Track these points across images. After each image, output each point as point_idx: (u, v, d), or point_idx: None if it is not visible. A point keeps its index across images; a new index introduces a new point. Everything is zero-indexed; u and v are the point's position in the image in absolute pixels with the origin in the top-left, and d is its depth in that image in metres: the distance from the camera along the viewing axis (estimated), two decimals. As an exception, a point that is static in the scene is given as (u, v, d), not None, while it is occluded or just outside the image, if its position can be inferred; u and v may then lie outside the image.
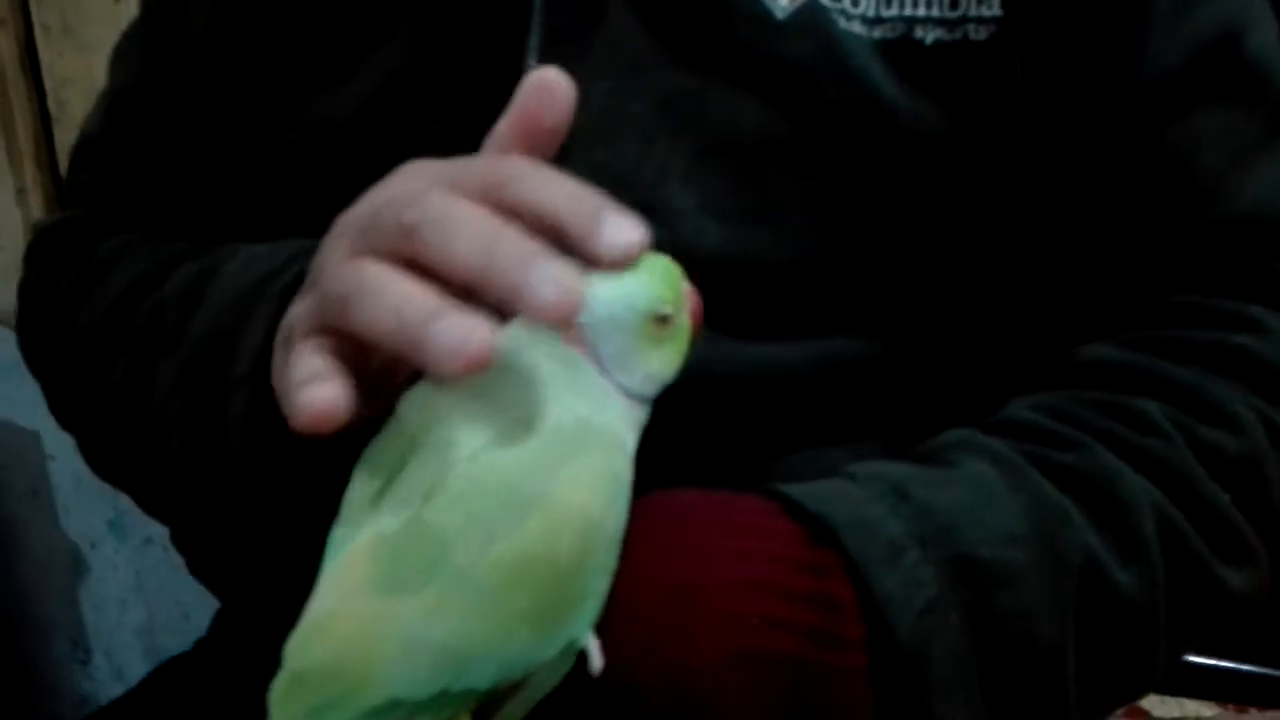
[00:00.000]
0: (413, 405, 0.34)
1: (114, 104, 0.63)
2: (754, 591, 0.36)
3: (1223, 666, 0.95)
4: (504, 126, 0.36)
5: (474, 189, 0.34)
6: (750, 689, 0.35)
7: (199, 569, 0.64)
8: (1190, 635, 0.45)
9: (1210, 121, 0.48)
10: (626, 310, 0.35)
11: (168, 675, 0.69)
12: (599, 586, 0.32)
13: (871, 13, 0.45)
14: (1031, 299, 0.50)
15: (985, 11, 0.45)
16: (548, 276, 0.31)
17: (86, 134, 0.64)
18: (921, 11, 0.45)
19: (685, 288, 0.37)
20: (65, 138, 1.06)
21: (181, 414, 0.48)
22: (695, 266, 0.43)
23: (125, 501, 1.47)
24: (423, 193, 0.34)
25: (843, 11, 0.45)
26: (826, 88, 0.45)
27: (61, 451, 1.41)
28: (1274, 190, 0.48)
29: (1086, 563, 0.40)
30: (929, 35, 0.45)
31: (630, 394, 0.36)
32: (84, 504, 1.42)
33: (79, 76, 1.03)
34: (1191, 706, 0.96)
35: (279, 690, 0.31)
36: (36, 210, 1.10)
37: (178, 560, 1.52)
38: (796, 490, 0.39)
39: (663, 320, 0.36)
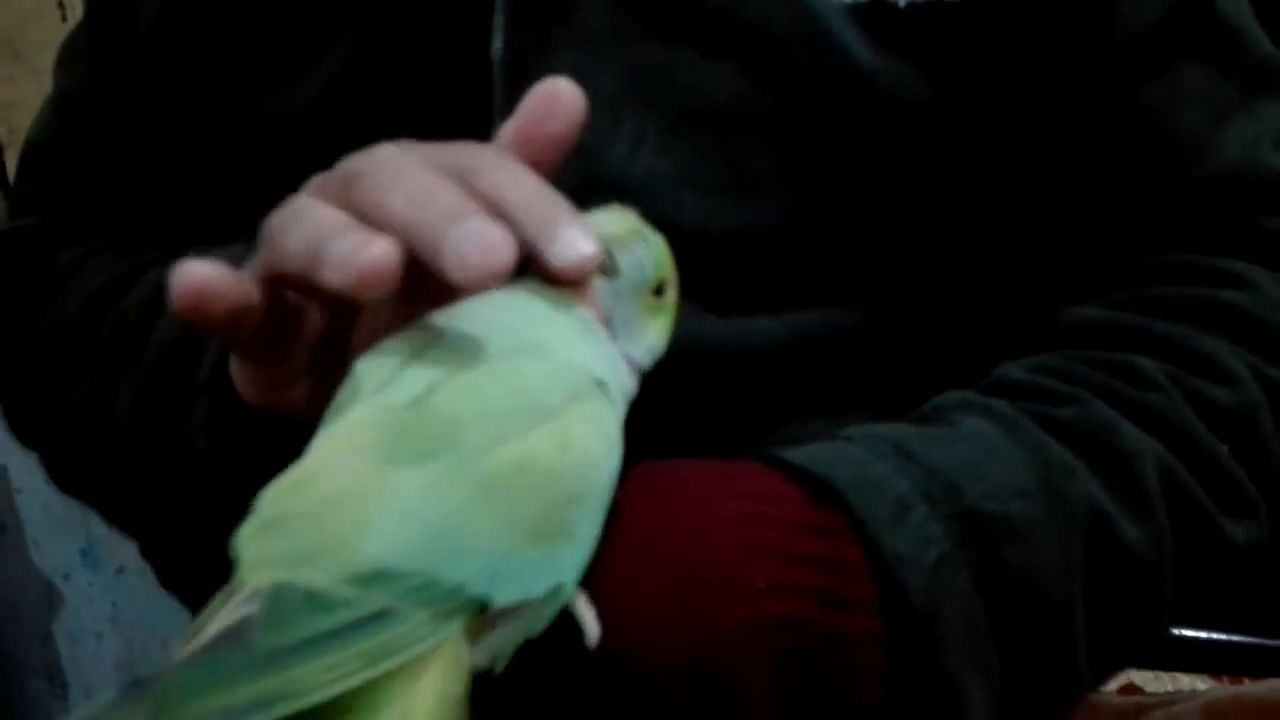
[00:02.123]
0: (414, 330, 0.33)
1: (62, 110, 0.62)
2: (760, 556, 0.34)
3: (1214, 639, 0.95)
4: (507, 130, 0.35)
5: (440, 166, 0.33)
6: (764, 656, 0.34)
7: (169, 581, 0.62)
8: (1195, 590, 0.44)
9: (1187, 79, 0.48)
10: (642, 275, 0.35)
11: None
12: (589, 532, 0.31)
13: None
14: (1016, 264, 0.50)
15: None
16: (474, 232, 0.30)
17: (34, 142, 0.63)
18: None
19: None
20: (16, 162, 1.04)
21: (145, 425, 0.47)
22: (673, 240, 0.42)
23: (97, 531, 1.45)
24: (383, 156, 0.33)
25: None
26: (799, 54, 0.45)
27: (29, 485, 1.39)
28: (1252, 147, 0.48)
29: (1093, 517, 0.40)
30: None
31: (631, 363, 0.35)
32: (55, 536, 1.41)
33: (26, 99, 1.02)
34: (1185, 681, 0.96)
35: (247, 533, 0.29)
36: (-9, 235, 1.08)
37: (153, 587, 1.49)
38: (795, 454, 0.38)
39: (659, 292, 0.36)
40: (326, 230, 0.31)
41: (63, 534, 1.40)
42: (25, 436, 0.60)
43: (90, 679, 1.45)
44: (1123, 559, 0.40)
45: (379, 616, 0.26)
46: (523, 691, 0.32)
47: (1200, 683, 0.96)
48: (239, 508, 0.45)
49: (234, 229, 0.48)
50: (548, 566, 0.30)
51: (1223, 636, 0.95)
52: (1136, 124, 0.47)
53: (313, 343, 0.36)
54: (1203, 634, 0.96)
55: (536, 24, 0.46)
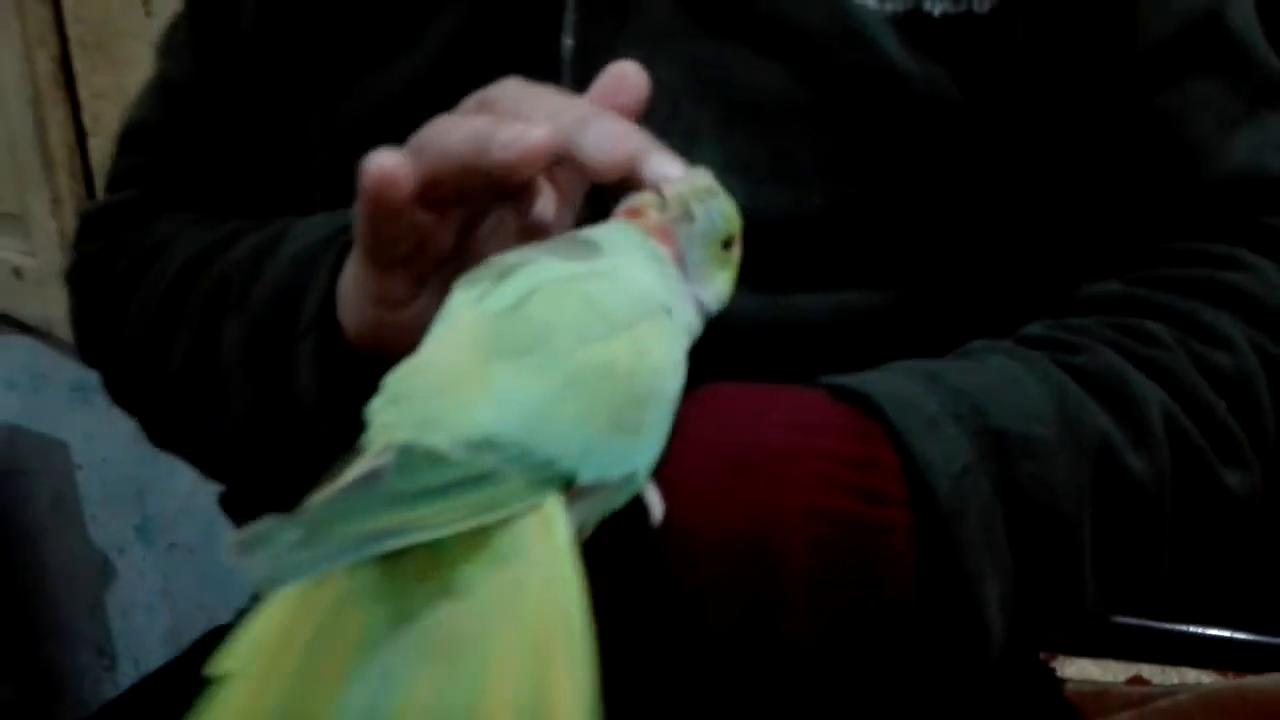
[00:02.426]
0: (508, 255, 0.38)
1: (164, 92, 0.65)
2: (806, 456, 0.39)
3: (1219, 635, 0.98)
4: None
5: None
6: (804, 542, 0.38)
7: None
8: (1195, 535, 0.48)
9: (1198, 90, 0.52)
10: (714, 224, 0.40)
11: (195, 656, 0.70)
12: (658, 430, 0.36)
13: None
14: (1038, 250, 0.54)
15: None
16: (607, 127, 0.38)
17: (135, 120, 0.66)
18: None
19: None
20: (99, 150, 1.10)
21: (250, 367, 0.51)
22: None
23: (151, 508, 1.51)
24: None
25: None
26: (842, 55, 0.49)
27: (89, 461, 1.44)
28: (1258, 153, 0.52)
29: (1102, 445, 0.44)
30: (936, 8, 0.49)
31: (698, 303, 0.40)
32: (111, 511, 1.45)
33: (112, 90, 1.07)
34: (1191, 675, 1.00)
35: (379, 406, 0.33)
36: (70, 220, 1.14)
37: (203, 563, 1.55)
38: (838, 377, 0.43)
39: (727, 246, 0.40)
40: (487, 126, 0.38)
41: (119, 510, 1.44)
42: (121, 397, 0.64)
43: (139, 651, 1.49)
44: (1127, 486, 0.44)
45: (485, 476, 0.31)
46: (596, 565, 0.36)
47: (1205, 677, 0.99)
48: (334, 447, 0.49)
49: (331, 205, 0.52)
50: (624, 455, 0.34)
51: (1227, 633, 0.98)
52: (1149, 128, 0.51)
53: (433, 259, 0.41)
54: (1209, 630, 0.99)
55: (603, 23, 0.51)
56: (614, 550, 0.36)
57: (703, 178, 0.40)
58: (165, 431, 0.62)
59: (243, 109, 0.62)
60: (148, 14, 1.03)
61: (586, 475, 0.33)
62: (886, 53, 0.49)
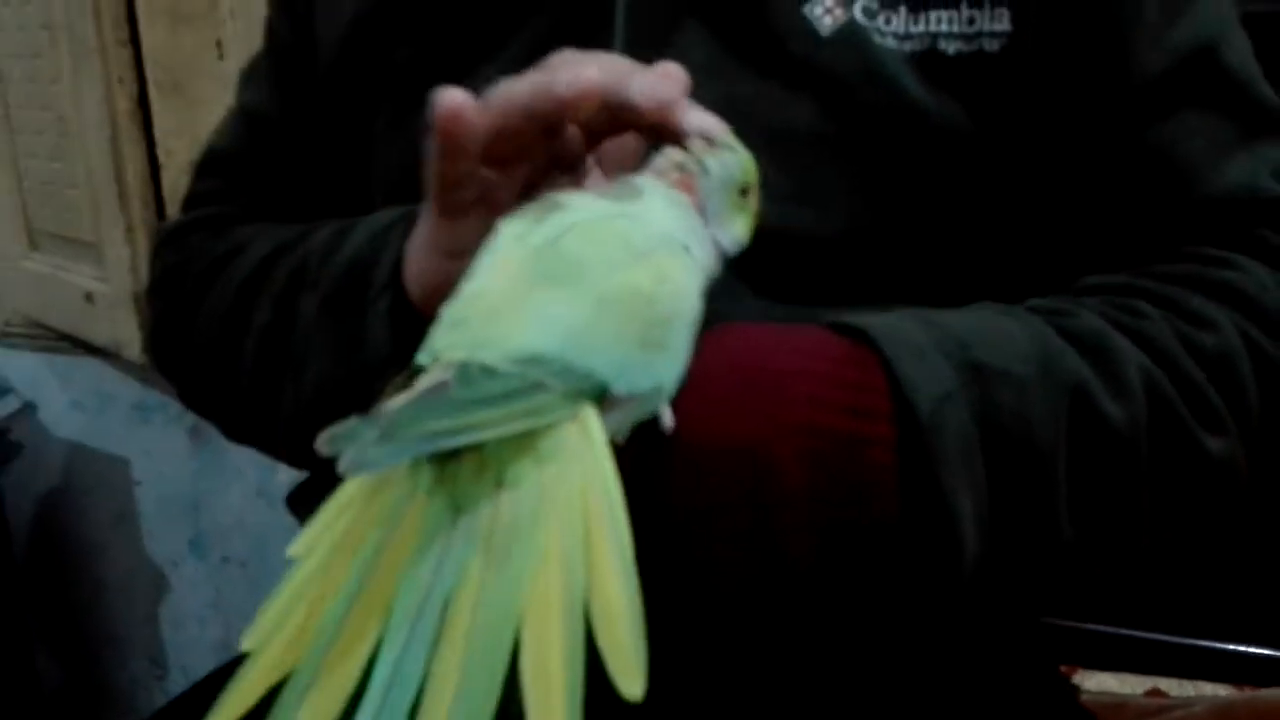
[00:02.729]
0: (546, 199, 0.42)
1: (246, 121, 0.69)
2: (803, 377, 0.43)
3: (1236, 650, 1.01)
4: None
5: None
6: (801, 458, 0.42)
7: None
8: (1175, 499, 0.49)
9: (1191, 121, 0.55)
10: (729, 174, 0.44)
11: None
12: (680, 349, 0.40)
13: (902, 30, 0.54)
14: (1042, 268, 0.58)
15: (997, 26, 0.54)
16: (649, 78, 0.42)
17: (214, 148, 0.69)
18: (944, 28, 0.54)
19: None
20: (171, 183, 1.17)
21: (325, 333, 0.54)
22: (753, 240, 0.51)
23: (205, 523, 1.56)
24: None
25: (877, 29, 0.54)
26: (864, 92, 0.54)
27: (148, 477, 1.49)
28: (1253, 176, 0.55)
29: (1078, 387, 0.47)
30: (951, 47, 0.54)
31: (717, 245, 0.44)
32: (167, 526, 1.50)
33: (185, 128, 1.14)
34: (1208, 688, 1.02)
35: (440, 331, 0.38)
36: (143, 248, 1.20)
37: (254, 577, 1.60)
38: (840, 316, 0.47)
39: (745, 193, 0.45)
40: (547, 76, 0.42)
41: (174, 525, 1.49)
42: (196, 396, 0.67)
43: (190, 661, 1.53)
44: (1102, 429, 0.47)
45: (533, 387, 0.36)
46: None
47: (1222, 690, 1.01)
48: None
49: None
50: (651, 369, 0.39)
51: (1244, 648, 1.01)
52: (1142, 156, 0.55)
53: (495, 212, 0.45)
54: (1226, 645, 1.01)
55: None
56: (629, 457, 0.39)
57: (722, 133, 0.45)
58: (241, 421, 0.64)
59: (319, 139, 0.66)
60: (220, 58, 1.10)
61: (620, 387, 0.38)
62: (905, 89, 0.54)
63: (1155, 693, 1.02)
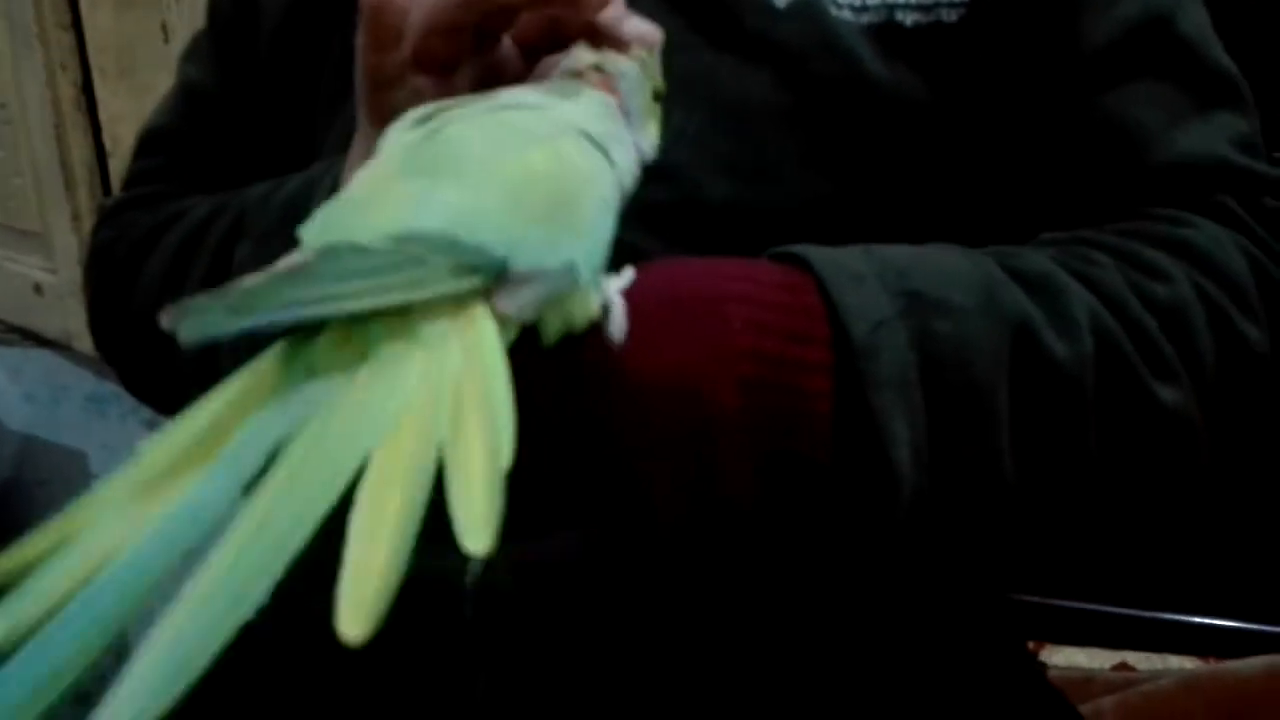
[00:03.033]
0: (448, 100, 0.40)
1: (186, 98, 0.68)
2: (739, 301, 0.43)
3: (1202, 623, 1.02)
4: None
5: None
6: (734, 380, 0.41)
7: None
8: (1125, 446, 0.48)
9: (1144, 90, 0.55)
10: (646, 76, 0.43)
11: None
12: (599, 232, 0.37)
13: (858, 3, 0.54)
14: (1001, 237, 0.56)
15: None
16: None
17: (155, 125, 0.69)
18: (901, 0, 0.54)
19: None
20: (118, 170, 1.15)
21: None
22: (708, 215, 0.51)
23: (165, 516, 1.53)
24: None
25: (834, 2, 0.54)
26: (821, 65, 0.54)
27: (105, 470, 1.46)
28: (1208, 142, 0.55)
29: (1021, 321, 0.46)
30: (908, 19, 0.54)
31: (638, 149, 0.42)
32: None
33: (131, 114, 1.12)
34: (1174, 662, 1.03)
35: (308, 229, 0.34)
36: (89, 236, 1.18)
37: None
38: (781, 247, 0.46)
39: (657, 97, 0.43)
40: None
41: (134, 519, 1.48)
42: (137, 375, 0.65)
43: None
44: (1046, 364, 0.46)
45: (411, 261, 0.32)
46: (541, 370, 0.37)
47: (1189, 663, 1.02)
48: None
49: None
50: (558, 246, 0.35)
51: (1210, 621, 1.02)
52: (1096, 124, 0.55)
53: None
54: (1192, 618, 1.02)
55: None
56: (560, 367, 0.38)
57: (660, 40, 0.44)
58: (185, 397, 0.63)
59: (261, 114, 0.65)
60: (165, 41, 1.08)
61: (519, 263, 0.34)
62: (862, 61, 0.54)
63: (1123, 666, 1.03)
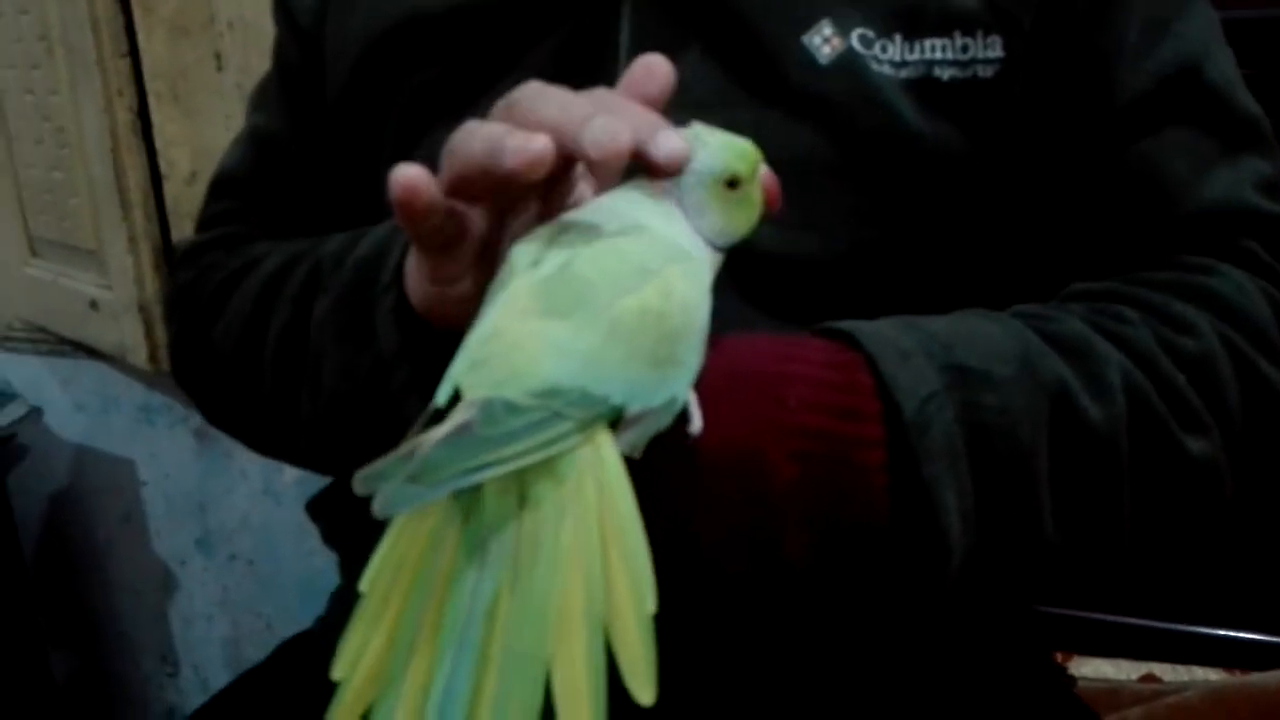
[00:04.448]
0: (552, 224, 0.44)
1: (256, 143, 0.70)
2: (794, 382, 0.45)
3: (1228, 636, 1.03)
4: (616, 90, 0.45)
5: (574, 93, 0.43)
6: (790, 457, 0.44)
7: (333, 535, 0.70)
8: (1157, 497, 0.50)
9: (1172, 138, 0.57)
10: (702, 171, 0.44)
11: (259, 676, 0.75)
12: (692, 360, 0.41)
13: (898, 58, 0.56)
14: (1035, 282, 0.59)
15: (990, 54, 0.56)
16: (603, 124, 0.40)
17: (226, 169, 0.71)
18: (939, 55, 0.56)
19: (762, 167, 0.46)
20: (172, 192, 1.18)
21: (338, 333, 0.55)
22: (754, 262, 0.53)
23: (211, 522, 1.58)
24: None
25: (874, 58, 0.56)
26: (863, 119, 0.56)
27: (154, 478, 1.50)
28: (1234, 188, 0.57)
29: (1059, 388, 0.48)
30: (945, 74, 0.56)
31: (708, 240, 0.45)
32: (174, 525, 1.51)
33: (185, 138, 1.15)
34: (1200, 673, 1.05)
35: (460, 368, 0.39)
36: (146, 257, 1.21)
37: (260, 574, 1.62)
38: (829, 323, 0.48)
39: (732, 185, 0.45)
40: (500, 133, 0.42)
41: (181, 523, 1.50)
42: (218, 410, 0.68)
43: (199, 658, 1.55)
44: (1083, 429, 0.48)
45: (552, 417, 0.38)
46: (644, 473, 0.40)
47: (1214, 675, 1.03)
48: (411, 398, 0.52)
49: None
50: (664, 385, 0.40)
51: (1236, 634, 1.03)
52: (1129, 172, 0.57)
53: (476, 242, 0.46)
54: (1218, 631, 1.04)
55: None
56: (646, 464, 0.41)
57: (702, 129, 0.45)
58: (264, 430, 0.66)
59: (330, 159, 0.67)
60: (219, 69, 1.11)
61: (634, 407, 0.39)
62: (902, 115, 0.56)
63: (1149, 678, 1.05)
